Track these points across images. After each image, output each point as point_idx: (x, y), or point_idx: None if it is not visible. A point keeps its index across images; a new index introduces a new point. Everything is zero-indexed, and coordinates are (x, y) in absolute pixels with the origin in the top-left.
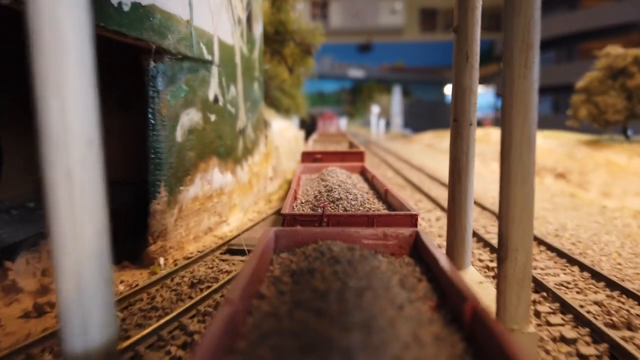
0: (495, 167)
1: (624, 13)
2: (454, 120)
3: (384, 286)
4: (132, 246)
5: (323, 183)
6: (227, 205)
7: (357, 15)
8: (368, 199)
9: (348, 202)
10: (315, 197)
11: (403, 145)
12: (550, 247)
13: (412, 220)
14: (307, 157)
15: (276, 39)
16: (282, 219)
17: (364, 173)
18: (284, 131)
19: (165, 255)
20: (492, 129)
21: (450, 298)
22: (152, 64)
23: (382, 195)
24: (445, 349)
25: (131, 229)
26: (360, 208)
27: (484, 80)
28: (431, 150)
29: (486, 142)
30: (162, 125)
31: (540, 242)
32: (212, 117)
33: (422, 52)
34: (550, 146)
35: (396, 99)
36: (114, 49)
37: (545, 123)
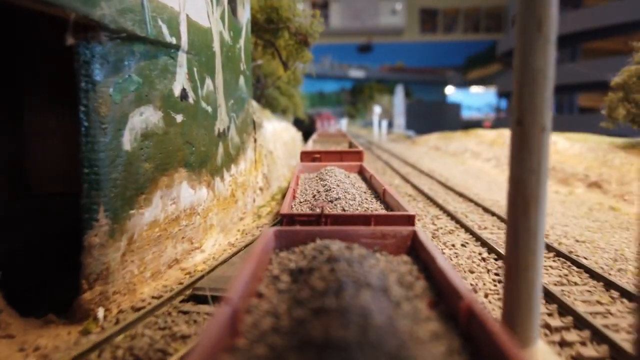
0: None
1: (628, 11)
2: (517, 124)
3: (382, 284)
4: (68, 289)
5: (321, 182)
6: (200, 227)
7: (357, 16)
8: (366, 199)
9: (346, 202)
10: (314, 196)
11: (407, 148)
12: (625, 292)
13: (410, 221)
14: (306, 156)
15: (268, 28)
16: (281, 218)
17: (362, 172)
18: (281, 133)
19: (106, 305)
20: (505, 130)
21: (446, 296)
22: (71, 40)
23: (380, 195)
24: (441, 346)
25: (71, 262)
26: (359, 208)
27: (483, 81)
28: (439, 154)
29: (501, 145)
30: (101, 129)
31: (608, 283)
32: (179, 118)
33: (423, 52)
34: (577, 150)
35: (399, 99)
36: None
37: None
